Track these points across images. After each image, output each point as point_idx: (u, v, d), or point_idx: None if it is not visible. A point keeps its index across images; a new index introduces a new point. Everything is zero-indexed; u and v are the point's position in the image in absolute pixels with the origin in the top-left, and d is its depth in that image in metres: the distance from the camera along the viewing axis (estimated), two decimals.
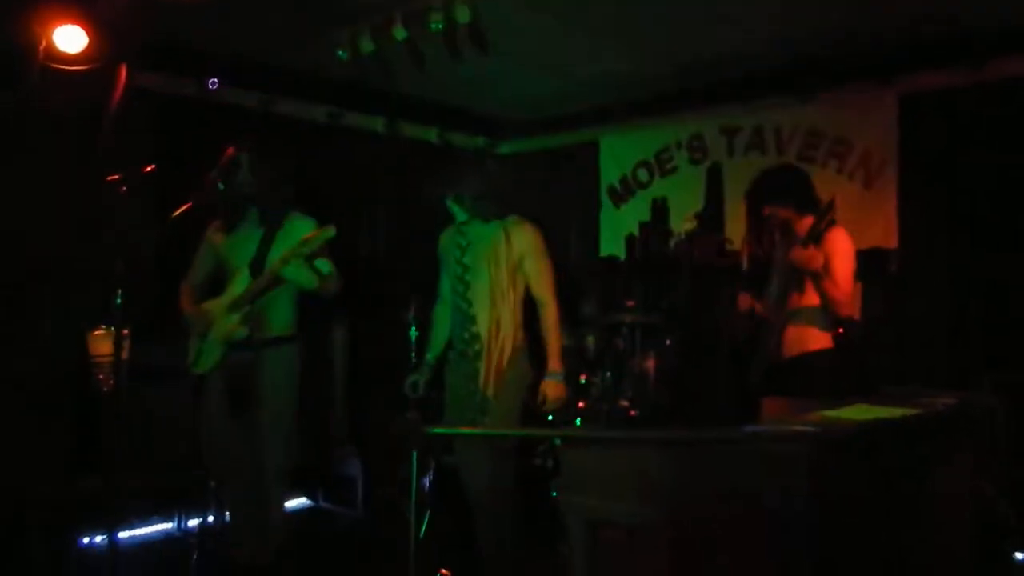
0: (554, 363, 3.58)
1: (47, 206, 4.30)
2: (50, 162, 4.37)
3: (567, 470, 2.17)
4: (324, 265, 3.52)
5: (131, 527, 4.43)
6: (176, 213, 3.37)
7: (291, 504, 5.04)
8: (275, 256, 3.53)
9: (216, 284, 3.74)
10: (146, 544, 4.41)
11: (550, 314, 3.59)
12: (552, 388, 3.58)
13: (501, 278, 3.55)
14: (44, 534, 4.02)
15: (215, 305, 3.62)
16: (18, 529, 4.00)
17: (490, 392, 3.50)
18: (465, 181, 3.57)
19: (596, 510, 2.14)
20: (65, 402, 4.30)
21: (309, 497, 5.27)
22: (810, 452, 1.79)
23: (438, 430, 1.89)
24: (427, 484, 4.47)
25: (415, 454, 1.88)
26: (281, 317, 3.63)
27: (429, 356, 3.79)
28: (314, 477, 5.22)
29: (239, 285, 3.56)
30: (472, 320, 3.58)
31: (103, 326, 3.75)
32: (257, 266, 3.57)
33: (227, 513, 3.82)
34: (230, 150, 3.55)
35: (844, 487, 1.92)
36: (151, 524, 4.51)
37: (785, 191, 3.83)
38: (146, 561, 4.20)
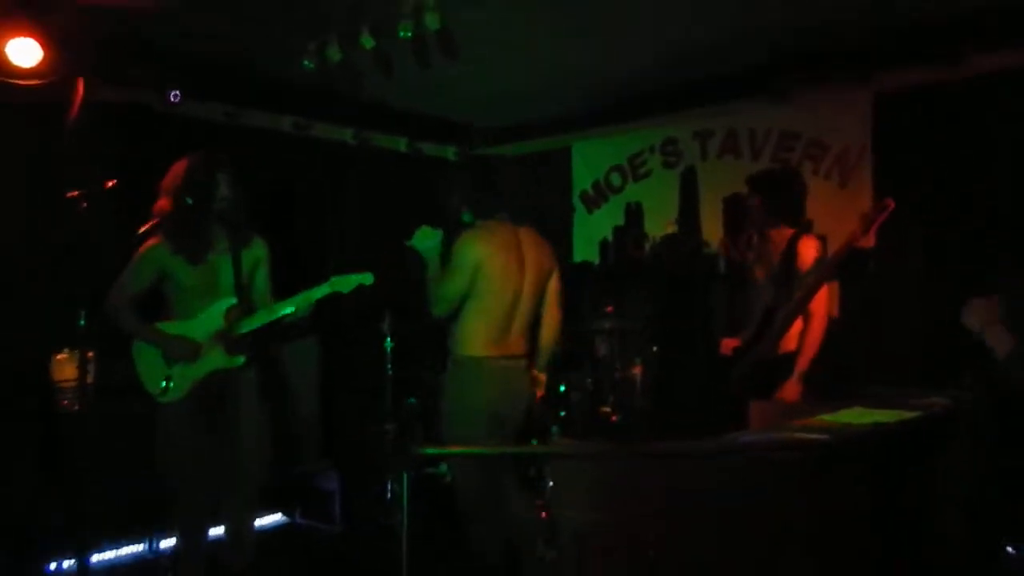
0: None
1: (8, 223, 4.17)
2: (9, 179, 4.24)
3: (557, 483, 2.12)
4: (317, 292, 3.41)
5: (101, 550, 4.29)
6: (143, 229, 3.29)
7: (268, 521, 4.95)
8: (247, 276, 3.46)
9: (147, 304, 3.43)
10: (117, 567, 4.25)
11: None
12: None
13: None
14: (9, 560, 3.90)
15: (192, 331, 3.41)
16: None
17: None
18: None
19: (584, 522, 2.09)
20: (30, 424, 4.15)
21: (286, 514, 5.13)
22: (809, 461, 1.74)
23: (430, 450, 1.81)
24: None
25: (405, 475, 1.79)
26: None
27: None
28: (290, 493, 5.09)
29: (217, 311, 3.41)
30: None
31: (66, 349, 3.59)
32: (240, 291, 3.42)
33: (185, 538, 3.57)
34: (185, 163, 3.39)
35: (840, 494, 1.87)
36: (121, 547, 4.36)
37: (773, 187, 3.87)
38: None
